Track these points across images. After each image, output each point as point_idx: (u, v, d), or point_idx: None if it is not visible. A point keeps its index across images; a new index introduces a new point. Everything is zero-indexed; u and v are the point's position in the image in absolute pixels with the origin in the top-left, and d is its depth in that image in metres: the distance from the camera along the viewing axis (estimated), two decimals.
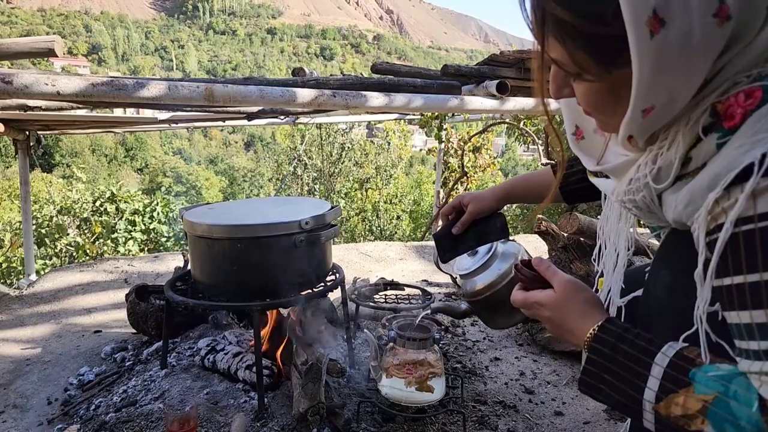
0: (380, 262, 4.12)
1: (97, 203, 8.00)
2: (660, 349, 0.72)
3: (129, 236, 7.63)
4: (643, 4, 0.59)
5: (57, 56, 1.96)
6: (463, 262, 2.00)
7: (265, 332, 1.85)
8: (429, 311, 1.69)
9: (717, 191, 0.62)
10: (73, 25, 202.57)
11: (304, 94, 2.06)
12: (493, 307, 1.92)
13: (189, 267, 1.85)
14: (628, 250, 1.02)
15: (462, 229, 1.41)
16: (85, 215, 7.88)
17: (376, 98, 2.22)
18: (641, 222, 0.96)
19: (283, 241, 1.60)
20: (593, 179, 0.98)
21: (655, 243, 1.01)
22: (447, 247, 1.47)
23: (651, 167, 0.75)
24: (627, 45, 0.62)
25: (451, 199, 1.62)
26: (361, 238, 11.43)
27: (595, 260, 1.10)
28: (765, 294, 0.58)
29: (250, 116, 3.76)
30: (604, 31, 0.64)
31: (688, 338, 0.72)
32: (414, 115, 6.33)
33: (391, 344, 1.59)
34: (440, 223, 1.50)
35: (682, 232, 0.75)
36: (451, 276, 1.98)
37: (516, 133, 7.67)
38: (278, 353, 1.79)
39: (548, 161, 4.47)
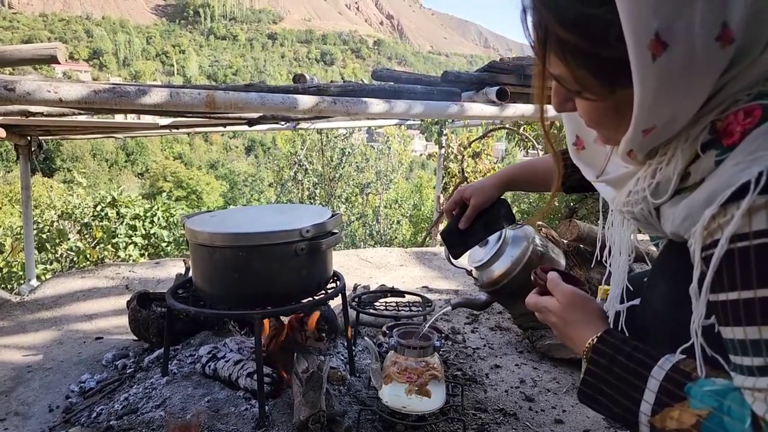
0: (380, 268, 4.12)
1: (98, 208, 8.00)
2: (657, 362, 0.72)
3: (129, 241, 7.62)
4: (646, 27, 0.59)
5: (59, 63, 1.97)
6: (476, 254, 2.01)
7: (266, 340, 1.85)
8: (450, 308, 1.69)
9: (713, 207, 0.63)
10: (75, 30, 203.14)
11: (305, 101, 2.07)
12: (513, 293, 1.93)
13: (190, 274, 1.85)
14: (629, 256, 1.04)
15: (468, 223, 1.42)
16: (85, 220, 7.89)
17: (376, 105, 2.23)
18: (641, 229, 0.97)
19: (285, 249, 1.61)
20: (596, 184, 0.99)
21: (654, 250, 1.02)
22: (456, 243, 1.47)
23: (650, 181, 0.76)
24: (629, 67, 0.62)
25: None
26: (362, 243, 11.43)
27: (604, 261, 1.11)
28: (759, 311, 0.59)
29: (251, 122, 3.76)
30: (606, 52, 0.64)
31: (685, 350, 0.73)
32: (414, 120, 6.34)
33: (392, 352, 1.59)
34: (446, 221, 1.51)
35: (679, 244, 0.75)
36: (467, 270, 1.98)
37: (516, 138, 7.67)
38: (283, 361, 1.80)
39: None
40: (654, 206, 0.77)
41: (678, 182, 0.72)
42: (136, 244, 7.67)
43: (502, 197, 1.46)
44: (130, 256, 7.44)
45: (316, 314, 2.03)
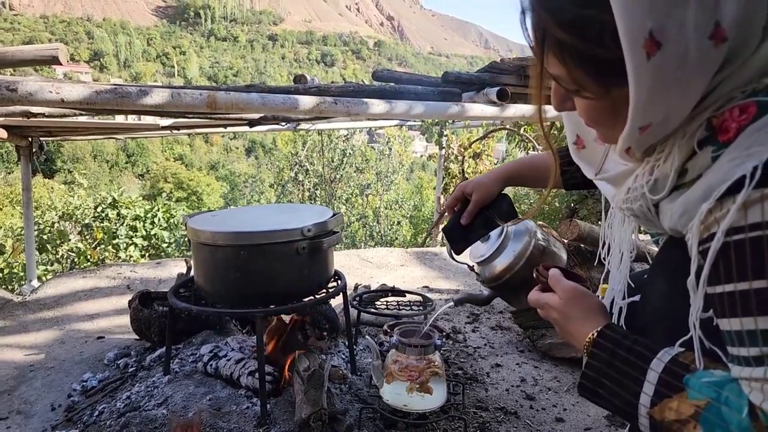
0: (381, 268, 4.13)
1: (99, 209, 8.01)
2: (656, 355, 0.73)
3: (130, 242, 7.64)
4: (640, 27, 0.60)
5: (61, 64, 1.98)
6: (478, 250, 2.01)
7: (267, 339, 1.86)
8: (452, 303, 1.69)
9: (710, 202, 0.64)
10: (76, 31, 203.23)
11: (306, 102, 2.08)
12: (515, 287, 1.94)
13: (192, 273, 1.86)
14: (630, 254, 1.05)
15: (470, 219, 1.42)
16: (86, 221, 7.90)
17: (377, 105, 2.23)
18: (641, 228, 0.98)
19: (286, 248, 1.61)
20: (596, 182, 1.00)
21: (655, 249, 1.04)
22: (458, 239, 1.48)
23: (648, 178, 0.77)
24: (625, 66, 0.63)
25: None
26: (362, 244, 11.43)
27: (604, 259, 1.12)
28: (754, 302, 0.60)
29: (252, 123, 3.77)
30: (602, 52, 0.66)
31: (684, 343, 0.74)
32: (415, 121, 6.35)
33: (393, 350, 1.60)
34: (446, 221, 1.51)
35: (678, 240, 0.76)
36: (468, 265, 1.98)
37: (516, 139, 7.68)
38: (284, 360, 1.80)
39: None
40: (652, 202, 0.78)
41: (675, 178, 0.73)
42: (136, 245, 7.68)
43: (504, 192, 1.46)
44: (131, 257, 7.45)
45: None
